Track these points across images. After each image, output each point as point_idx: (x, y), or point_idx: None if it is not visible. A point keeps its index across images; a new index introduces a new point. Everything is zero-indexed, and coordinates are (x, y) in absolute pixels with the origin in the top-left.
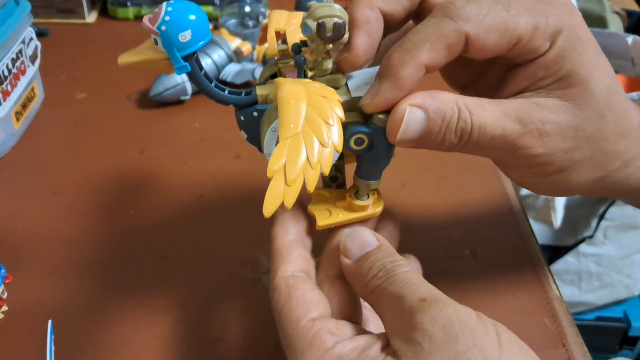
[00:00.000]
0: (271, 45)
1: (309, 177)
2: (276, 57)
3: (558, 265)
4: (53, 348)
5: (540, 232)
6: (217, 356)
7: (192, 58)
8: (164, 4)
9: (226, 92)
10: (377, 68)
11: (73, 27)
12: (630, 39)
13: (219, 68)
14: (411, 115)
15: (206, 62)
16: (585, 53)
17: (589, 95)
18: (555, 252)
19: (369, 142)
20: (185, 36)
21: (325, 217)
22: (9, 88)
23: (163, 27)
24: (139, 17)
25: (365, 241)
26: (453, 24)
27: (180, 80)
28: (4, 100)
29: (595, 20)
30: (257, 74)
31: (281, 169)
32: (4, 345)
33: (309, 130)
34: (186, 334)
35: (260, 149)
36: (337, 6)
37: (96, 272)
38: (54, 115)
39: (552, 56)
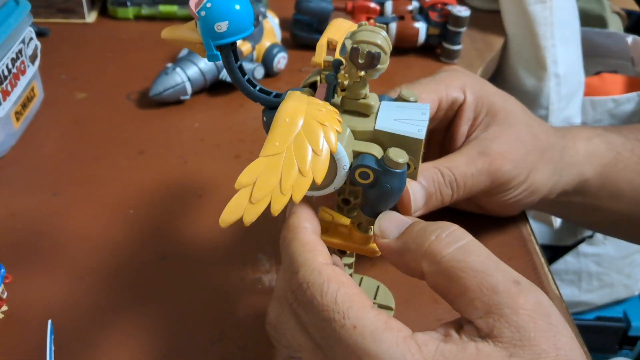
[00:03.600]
0: (317, 53)
1: (276, 201)
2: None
3: (558, 265)
4: (53, 348)
5: (540, 232)
6: (217, 356)
7: (227, 49)
8: None
9: (257, 88)
10: (410, 104)
11: (73, 27)
12: (630, 38)
13: (218, 68)
14: (413, 189)
15: (205, 62)
16: (491, 91)
17: (512, 114)
18: (555, 252)
19: (375, 178)
20: (221, 27)
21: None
22: (9, 88)
23: (202, 13)
24: (138, 17)
25: (401, 219)
26: None
27: (180, 80)
28: (4, 100)
29: (595, 20)
30: (257, 74)
31: (249, 185)
32: (3, 345)
33: (293, 153)
34: (186, 334)
35: None
36: (383, 34)
37: (96, 272)
38: (53, 115)
39: (471, 98)
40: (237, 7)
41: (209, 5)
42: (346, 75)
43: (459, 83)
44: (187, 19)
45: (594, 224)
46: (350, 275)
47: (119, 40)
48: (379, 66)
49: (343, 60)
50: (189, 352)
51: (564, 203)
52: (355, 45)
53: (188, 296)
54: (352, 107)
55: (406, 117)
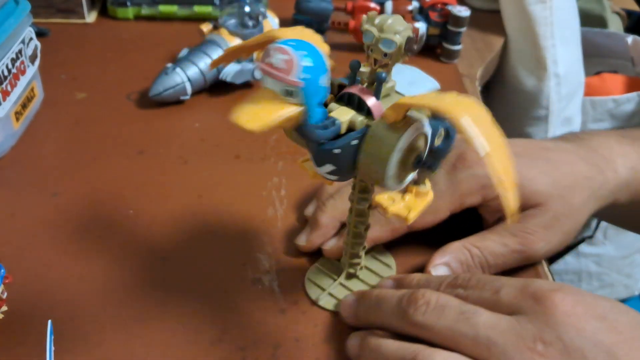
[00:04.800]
0: None
1: None
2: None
3: (558, 266)
4: (53, 348)
5: None
6: (217, 356)
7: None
8: (282, 45)
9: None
10: (407, 67)
11: (73, 27)
12: (630, 38)
13: (219, 68)
14: (438, 273)
15: (206, 62)
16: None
17: (541, 193)
18: None
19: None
20: (325, 80)
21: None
22: (9, 88)
23: (306, 75)
24: (138, 17)
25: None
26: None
27: (180, 80)
28: (4, 100)
29: (595, 20)
30: (257, 74)
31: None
32: (4, 346)
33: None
34: (186, 334)
35: (346, 178)
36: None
37: (96, 272)
38: (53, 115)
39: (493, 200)
40: (314, 49)
41: (308, 63)
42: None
43: (476, 187)
44: (187, 18)
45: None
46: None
47: (119, 40)
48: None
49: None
50: (188, 352)
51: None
52: (409, 36)
53: (188, 296)
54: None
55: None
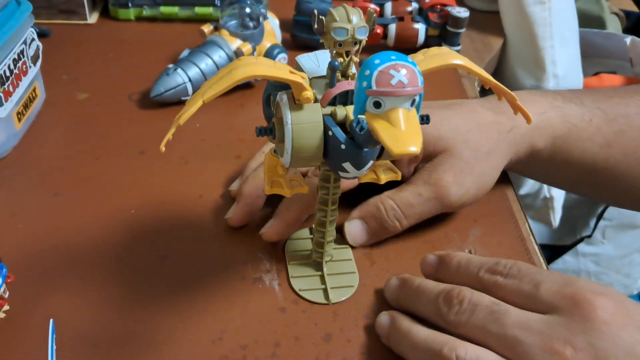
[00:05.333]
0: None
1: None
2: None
3: (557, 265)
4: (54, 347)
5: (539, 232)
6: (218, 355)
7: None
8: (398, 61)
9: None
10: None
11: (74, 28)
12: (629, 39)
13: (220, 69)
14: (352, 228)
15: (207, 63)
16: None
17: (448, 139)
18: (554, 251)
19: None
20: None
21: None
22: (11, 88)
23: (365, 83)
24: (140, 18)
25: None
26: None
27: (181, 80)
28: (6, 100)
29: (593, 21)
30: None
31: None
32: (5, 345)
33: None
34: (187, 332)
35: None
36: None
37: (97, 271)
38: (55, 115)
39: None
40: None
41: (367, 73)
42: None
43: None
44: (188, 19)
45: (552, 183)
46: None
47: (121, 41)
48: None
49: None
50: (189, 351)
51: (519, 169)
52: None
53: (188, 295)
54: None
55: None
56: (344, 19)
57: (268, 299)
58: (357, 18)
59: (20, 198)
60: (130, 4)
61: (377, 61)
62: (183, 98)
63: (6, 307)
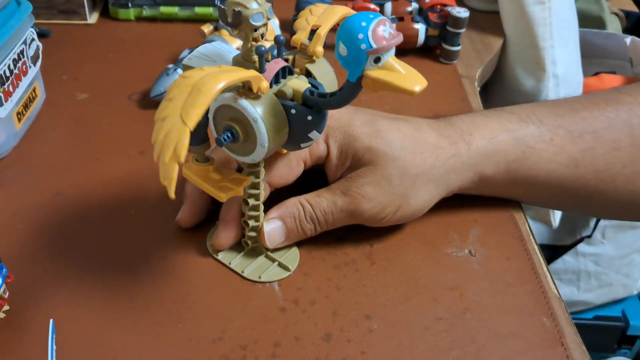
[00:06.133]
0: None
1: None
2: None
3: (556, 265)
4: (54, 347)
5: (539, 232)
6: (218, 355)
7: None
8: (380, 18)
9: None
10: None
11: (74, 28)
12: (629, 39)
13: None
14: (270, 227)
15: None
16: (359, 133)
17: (378, 153)
18: (553, 251)
19: None
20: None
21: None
22: (11, 89)
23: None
24: (140, 18)
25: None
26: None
27: None
28: (6, 100)
29: (593, 21)
30: None
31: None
32: (5, 345)
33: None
34: (187, 332)
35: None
36: None
37: (98, 272)
38: (55, 115)
39: (334, 149)
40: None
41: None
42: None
43: (323, 136)
44: (188, 20)
45: (521, 201)
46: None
47: (121, 41)
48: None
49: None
50: (189, 350)
51: (476, 192)
52: (222, 6)
53: (189, 295)
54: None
55: None
56: (255, 3)
57: (268, 299)
58: None
59: (21, 198)
60: (130, 4)
61: (363, 23)
62: None
63: (6, 307)
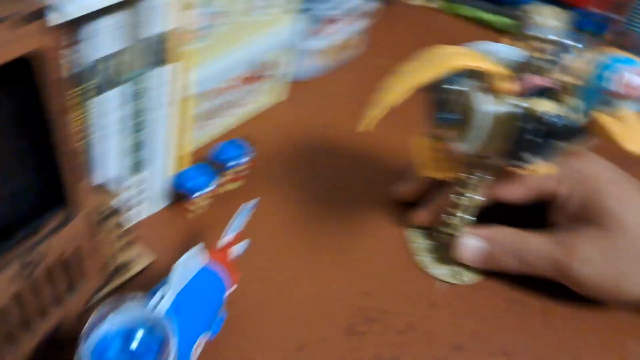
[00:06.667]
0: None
1: None
2: None
3: None
4: (244, 219)
5: None
6: (358, 306)
7: None
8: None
9: None
10: None
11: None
12: None
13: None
14: (471, 242)
15: None
16: (604, 192)
17: (620, 220)
18: None
19: None
20: None
21: None
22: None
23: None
24: (463, 16)
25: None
26: None
27: None
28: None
29: None
30: None
31: None
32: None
33: None
34: (347, 281)
35: None
36: None
37: (309, 208)
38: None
39: (565, 193)
40: None
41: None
42: None
43: (569, 171)
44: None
45: None
46: None
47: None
48: None
49: None
50: (342, 294)
51: None
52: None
53: (364, 250)
54: None
55: None
56: (542, 16)
57: (425, 288)
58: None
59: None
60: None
61: (618, 64)
62: None
63: (238, 183)
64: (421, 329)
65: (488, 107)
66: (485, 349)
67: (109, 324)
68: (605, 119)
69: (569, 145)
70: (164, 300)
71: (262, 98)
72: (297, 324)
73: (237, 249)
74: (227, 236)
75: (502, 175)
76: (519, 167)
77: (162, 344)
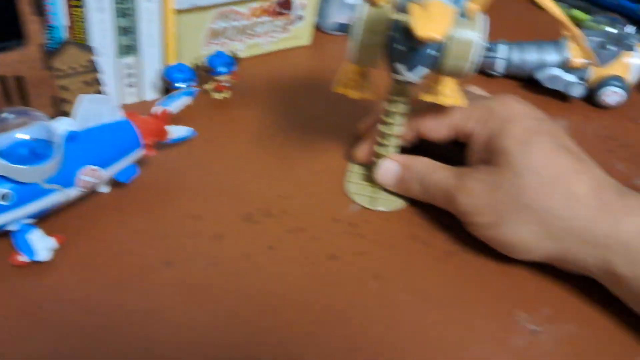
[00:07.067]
0: None
1: None
2: None
3: None
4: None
5: None
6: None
7: None
8: None
9: None
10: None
11: None
12: None
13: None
14: (387, 165)
15: (527, 56)
16: (511, 132)
17: (514, 160)
18: None
19: None
20: None
21: None
22: None
23: None
24: None
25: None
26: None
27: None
28: None
29: None
30: (574, 91)
31: None
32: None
33: None
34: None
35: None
36: None
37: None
38: None
39: (480, 139)
40: None
41: None
42: None
43: (484, 115)
44: None
45: None
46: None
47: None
48: None
49: None
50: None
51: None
52: None
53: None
54: None
55: None
56: None
57: (338, 207)
58: None
59: None
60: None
61: None
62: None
63: (226, 94)
64: (309, 234)
65: (362, 12)
66: (357, 266)
67: (17, 131)
68: (411, 7)
69: (421, 52)
70: (65, 123)
71: (281, 37)
72: (200, 200)
73: (178, 132)
74: (156, 107)
75: (424, 109)
76: (401, 80)
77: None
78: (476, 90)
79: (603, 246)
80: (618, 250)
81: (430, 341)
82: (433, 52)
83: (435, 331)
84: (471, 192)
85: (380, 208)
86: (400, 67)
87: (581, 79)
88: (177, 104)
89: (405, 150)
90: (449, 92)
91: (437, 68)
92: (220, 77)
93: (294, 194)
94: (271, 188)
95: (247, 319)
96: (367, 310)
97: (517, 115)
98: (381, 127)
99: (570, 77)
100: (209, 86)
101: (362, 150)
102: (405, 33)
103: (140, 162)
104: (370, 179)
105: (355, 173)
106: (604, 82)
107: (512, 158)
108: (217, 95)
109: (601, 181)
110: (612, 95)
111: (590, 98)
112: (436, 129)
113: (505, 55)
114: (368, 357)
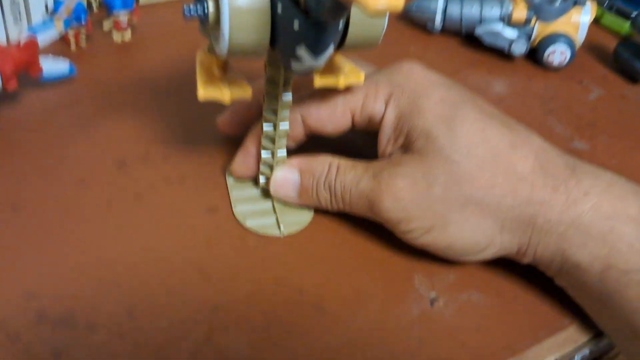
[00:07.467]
0: None
1: None
2: None
3: None
4: None
5: None
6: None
7: None
8: None
9: None
10: None
11: None
12: None
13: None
14: (283, 173)
15: (470, 10)
16: (427, 106)
17: (436, 143)
18: None
19: None
20: None
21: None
22: None
23: None
24: None
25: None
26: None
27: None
28: None
29: None
30: (516, 49)
31: None
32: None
33: None
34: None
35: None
36: None
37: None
38: None
39: (391, 115)
40: None
41: None
42: None
43: (387, 91)
44: None
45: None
46: None
47: None
48: None
49: None
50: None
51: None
52: None
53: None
54: None
55: None
56: None
57: (233, 238)
58: None
59: None
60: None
61: None
62: (429, 28)
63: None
64: (188, 184)
65: None
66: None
67: None
68: None
69: (333, 28)
70: None
71: None
72: (68, 142)
73: (53, 66)
74: (23, 36)
75: (307, 97)
76: (299, 70)
77: None
78: (362, 63)
79: (559, 233)
80: (575, 235)
81: (304, 305)
82: (341, 26)
83: (315, 294)
84: (397, 193)
85: (291, 230)
86: (303, 52)
87: (525, 36)
88: (48, 34)
89: (292, 152)
90: (348, 70)
91: (341, 43)
92: (119, 14)
93: (178, 141)
94: (153, 133)
95: (95, 273)
96: (240, 269)
97: (427, 85)
98: (265, 128)
99: (513, 34)
100: (106, 24)
101: (242, 162)
102: (321, 6)
103: (5, 97)
104: (261, 194)
105: (238, 190)
106: (550, 40)
107: (437, 140)
108: (117, 37)
109: (543, 153)
110: (557, 55)
111: (534, 57)
112: (330, 119)
113: (442, 9)
114: (235, 318)
